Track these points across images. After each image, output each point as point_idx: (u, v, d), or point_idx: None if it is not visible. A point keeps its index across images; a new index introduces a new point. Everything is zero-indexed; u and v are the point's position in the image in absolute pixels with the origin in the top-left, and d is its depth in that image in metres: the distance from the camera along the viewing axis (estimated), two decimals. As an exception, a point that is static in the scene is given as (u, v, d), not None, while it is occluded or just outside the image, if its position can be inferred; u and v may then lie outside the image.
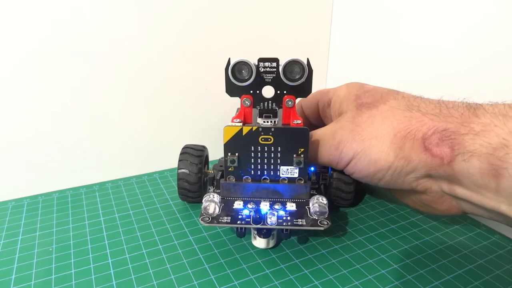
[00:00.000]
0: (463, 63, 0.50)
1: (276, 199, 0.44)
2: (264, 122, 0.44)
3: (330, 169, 0.50)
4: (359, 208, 0.53)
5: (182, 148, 0.52)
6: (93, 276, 0.40)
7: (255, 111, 0.44)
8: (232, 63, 0.42)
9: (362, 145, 0.41)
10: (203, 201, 0.42)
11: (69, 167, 0.60)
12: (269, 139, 0.43)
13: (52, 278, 0.40)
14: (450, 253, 0.44)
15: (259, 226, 0.41)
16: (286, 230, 0.42)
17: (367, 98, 0.43)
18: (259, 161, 0.44)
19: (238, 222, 0.41)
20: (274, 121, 0.44)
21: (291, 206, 0.43)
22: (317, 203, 0.42)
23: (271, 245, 0.44)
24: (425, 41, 0.55)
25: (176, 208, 0.53)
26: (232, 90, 0.44)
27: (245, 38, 0.66)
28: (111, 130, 0.61)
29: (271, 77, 0.43)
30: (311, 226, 0.40)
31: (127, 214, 0.52)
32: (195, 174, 0.49)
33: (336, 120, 0.46)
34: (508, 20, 0.45)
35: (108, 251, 0.44)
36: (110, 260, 0.43)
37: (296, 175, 0.44)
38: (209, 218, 0.41)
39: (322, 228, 0.40)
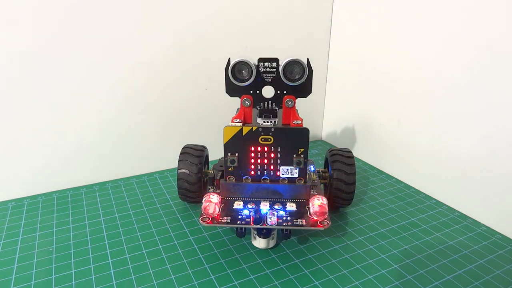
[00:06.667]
0: (464, 64, 0.50)
1: (276, 199, 0.44)
2: (264, 122, 0.44)
3: (330, 169, 0.50)
4: (359, 208, 0.53)
5: (182, 148, 0.52)
6: (93, 276, 0.40)
7: (255, 111, 0.44)
8: (232, 63, 0.42)
9: None
10: (203, 201, 0.42)
11: (69, 167, 0.60)
12: (269, 139, 0.43)
13: (52, 278, 0.40)
14: (450, 253, 0.44)
15: (259, 226, 0.41)
16: (286, 230, 0.42)
17: None
18: (259, 161, 0.44)
19: (238, 222, 0.41)
20: (274, 121, 0.44)
21: (291, 206, 0.43)
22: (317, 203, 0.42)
23: (271, 245, 0.44)
24: (425, 41, 0.55)
25: (176, 208, 0.53)
26: (232, 90, 0.44)
27: (245, 38, 0.66)
28: (111, 130, 0.61)
29: (271, 77, 0.43)
30: (311, 226, 0.40)
31: (127, 214, 0.52)
32: (195, 174, 0.49)
33: None
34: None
35: (108, 251, 0.44)
36: (110, 260, 0.43)
37: (296, 175, 0.44)
38: (209, 218, 0.41)
39: (322, 228, 0.40)
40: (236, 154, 0.43)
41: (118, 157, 0.63)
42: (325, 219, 0.41)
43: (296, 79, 0.42)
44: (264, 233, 0.43)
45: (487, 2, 0.46)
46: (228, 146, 0.43)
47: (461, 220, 0.50)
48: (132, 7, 0.56)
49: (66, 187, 0.59)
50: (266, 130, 0.43)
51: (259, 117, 0.44)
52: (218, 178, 0.46)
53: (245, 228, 0.42)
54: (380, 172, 0.64)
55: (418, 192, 0.58)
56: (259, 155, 0.44)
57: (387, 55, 0.62)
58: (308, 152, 0.44)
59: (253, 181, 0.44)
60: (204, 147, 0.53)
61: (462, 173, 0.52)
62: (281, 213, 0.42)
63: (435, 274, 0.41)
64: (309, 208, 0.43)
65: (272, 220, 0.41)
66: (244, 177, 0.44)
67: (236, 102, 0.45)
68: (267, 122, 0.44)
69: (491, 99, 0.48)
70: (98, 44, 0.56)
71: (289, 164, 0.44)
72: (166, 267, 0.42)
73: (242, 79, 0.42)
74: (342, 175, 0.48)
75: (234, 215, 0.42)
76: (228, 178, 0.44)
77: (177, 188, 0.52)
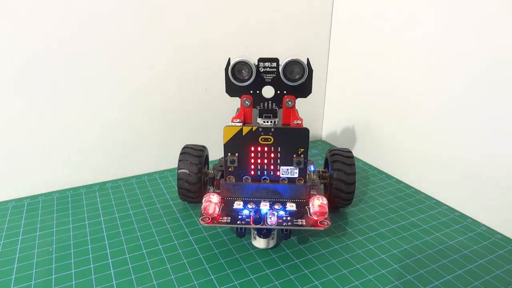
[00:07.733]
0: (464, 67, 0.50)
1: (276, 199, 0.44)
2: (264, 122, 0.44)
3: (330, 169, 0.50)
4: (359, 208, 0.53)
5: (182, 148, 0.52)
6: (93, 276, 0.40)
7: (255, 111, 0.44)
8: (232, 63, 0.42)
9: None
10: (203, 201, 0.42)
11: (69, 167, 0.60)
12: (269, 139, 0.43)
13: (52, 278, 0.40)
14: (450, 253, 0.44)
15: (259, 226, 0.41)
16: (286, 230, 0.42)
17: None
18: (259, 161, 0.44)
19: (238, 222, 0.41)
20: (274, 121, 0.44)
21: (291, 206, 0.43)
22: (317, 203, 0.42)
23: (271, 245, 0.44)
24: (426, 40, 0.55)
25: (176, 208, 0.53)
26: (232, 90, 0.44)
27: (245, 38, 0.66)
28: (111, 130, 0.61)
29: (271, 77, 0.43)
30: (311, 226, 0.40)
31: (127, 214, 0.52)
32: (195, 174, 0.49)
33: None
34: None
35: (108, 251, 0.44)
36: (110, 260, 0.43)
37: (296, 175, 0.44)
38: (209, 218, 0.41)
39: (322, 228, 0.40)
40: (236, 154, 0.43)
41: (118, 157, 0.63)
42: (325, 219, 0.41)
43: (296, 79, 0.42)
44: (264, 233, 0.43)
45: (490, 8, 0.46)
46: (228, 146, 0.43)
47: (461, 220, 0.50)
48: (133, 8, 0.56)
49: (66, 187, 0.59)
50: (266, 130, 0.43)
51: (259, 117, 0.44)
52: (218, 178, 0.46)
53: (245, 228, 0.42)
54: (380, 172, 0.64)
55: (418, 192, 0.58)
56: (259, 155, 0.44)
57: (387, 55, 0.62)
58: (308, 152, 0.44)
59: (253, 181, 0.44)
60: (204, 147, 0.53)
61: (462, 173, 0.52)
62: (281, 213, 0.42)
63: (435, 274, 0.41)
64: (309, 208, 0.43)
65: (272, 220, 0.41)
66: (244, 177, 0.44)
67: (236, 102, 0.45)
68: (267, 122, 0.44)
69: (491, 99, 0.48)
70: (98, 45, 0.56)
71: (289, 164, 0.44)
72: (166, 267, 0.42)
73: (242, 79, 0.42)
74: (342, 175, 0.48)
75: (234, 215, 0.42)
76: (228, 178, 0.44)
77: (177, 188, 0.52)
